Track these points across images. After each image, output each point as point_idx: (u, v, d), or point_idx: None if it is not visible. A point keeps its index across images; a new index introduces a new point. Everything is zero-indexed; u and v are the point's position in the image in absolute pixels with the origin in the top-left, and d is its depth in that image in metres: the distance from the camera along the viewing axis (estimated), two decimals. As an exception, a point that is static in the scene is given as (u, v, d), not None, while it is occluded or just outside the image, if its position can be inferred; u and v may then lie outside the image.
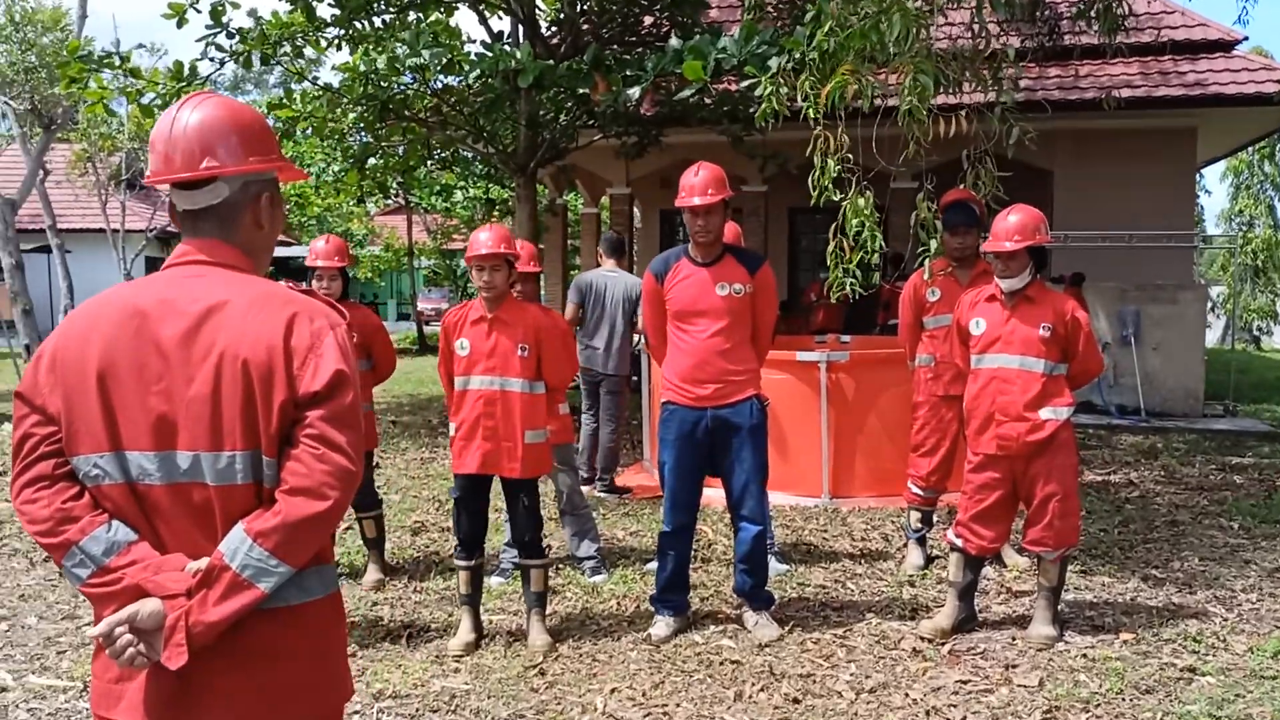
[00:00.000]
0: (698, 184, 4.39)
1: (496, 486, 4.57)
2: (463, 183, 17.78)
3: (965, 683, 4.00)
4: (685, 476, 4.50)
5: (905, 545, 5.71)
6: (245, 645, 1.73)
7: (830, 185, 5.12)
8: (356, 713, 3.82)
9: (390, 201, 22.38)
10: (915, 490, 5.49)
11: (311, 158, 18.52)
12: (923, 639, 4.43)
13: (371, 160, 11.55)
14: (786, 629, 4.55)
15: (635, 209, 16.95)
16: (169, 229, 22.88)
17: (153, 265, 23.50)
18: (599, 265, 7.54)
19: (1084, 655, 4.23)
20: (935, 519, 5.72)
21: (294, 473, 1.70)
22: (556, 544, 5.90)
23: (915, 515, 5.54)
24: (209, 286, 1.78)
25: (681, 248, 4.60)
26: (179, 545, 1.74)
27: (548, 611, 4.87)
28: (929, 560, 5.50)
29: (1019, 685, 3.97)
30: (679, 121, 10.34)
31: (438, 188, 18.16)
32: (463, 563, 4.51)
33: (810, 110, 5.00)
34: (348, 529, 6.14)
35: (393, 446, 9.24)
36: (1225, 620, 4.64)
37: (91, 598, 1.77)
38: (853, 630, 4.57)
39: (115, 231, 21.08)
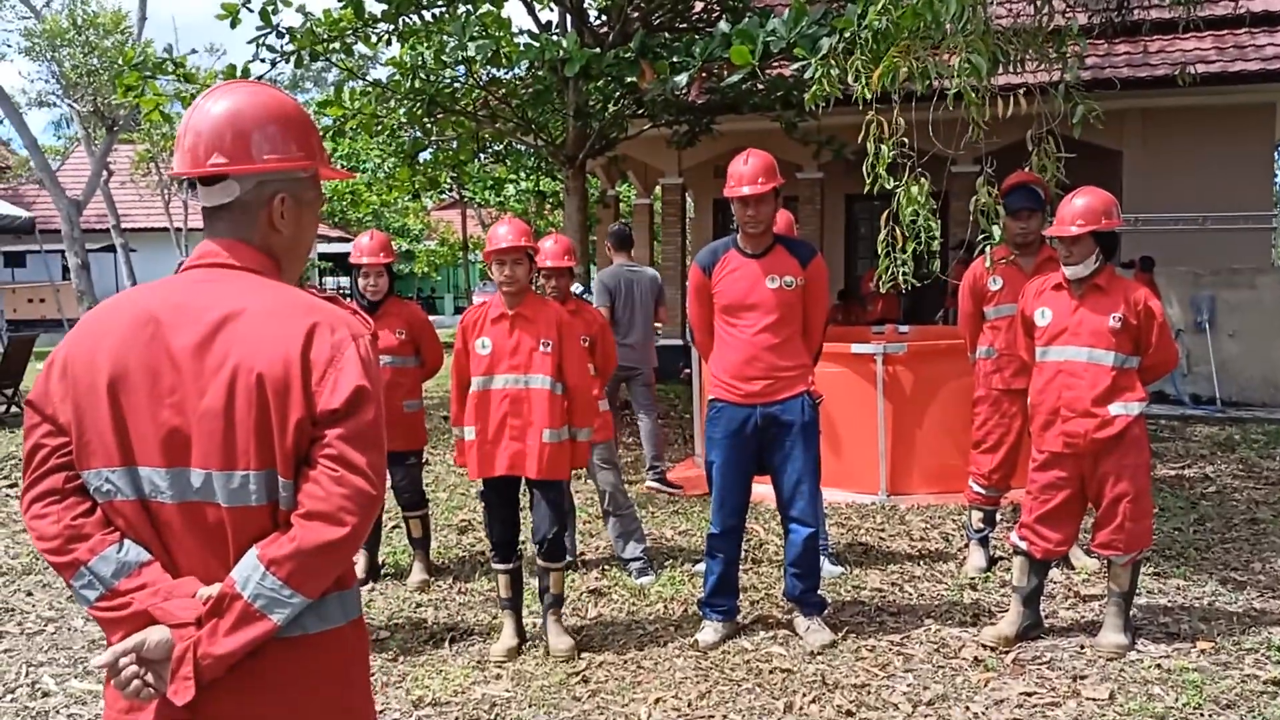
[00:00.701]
0: (747, 172, 4.21)
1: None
2: (513, 176, 17.76)
3: (1030, 695, 3.78)
4: (734, 476, 4.33)
5: (966, 546, 5.47)
6: (261, 676, 1.62)
7: (885, 172, 4.91)
8: (394, 722, 3.73)
9: (446, 196, 22.48)
10: (977, 489, 5.26)
11: (367, 154, 18.63)
12: (985, 647, 4.21)
13: (423, 155, 11.53)
14: (840, 635, 4.37)
15: (688, 199, 16.76)
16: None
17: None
18: (611, 260, 7.45)
19: (1158, 666, 3.98)
20: (999, 518, 5.47)
21: (310, 496, 1.58)
22: (602, 544, 5.78)
23: (977, 515, 5.30)
24: (226, 292, 1.66)
25: (730, 239, 4.43)
26: (192, 567, 1.64)
27: (593, 613, 4.77)
28: (992, 562, 5.26)
29: (1088, 698, 3.73)
30: (731, 109, 10.13)
31: (490, 182, 18.15)
32: (501, 566, 4.40)
33: (863, 92, 4.79)
34: (394, 528, 6.09)
35: (443, 442, 9.19)
36: (1313, 628, 4.34)
37: (100, 621, 1.68)
38: (910, 637, 4.37)
39: (179, 230, 21.48)
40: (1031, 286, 4.37)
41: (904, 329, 8.91)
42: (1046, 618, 4.48)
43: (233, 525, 1.60)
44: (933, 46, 5.03)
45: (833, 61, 5.25)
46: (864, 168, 4.92)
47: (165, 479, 1.62)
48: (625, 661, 4.21)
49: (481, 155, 17.98)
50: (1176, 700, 3.69)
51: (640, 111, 9.84)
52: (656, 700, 3.82)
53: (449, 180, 16.26)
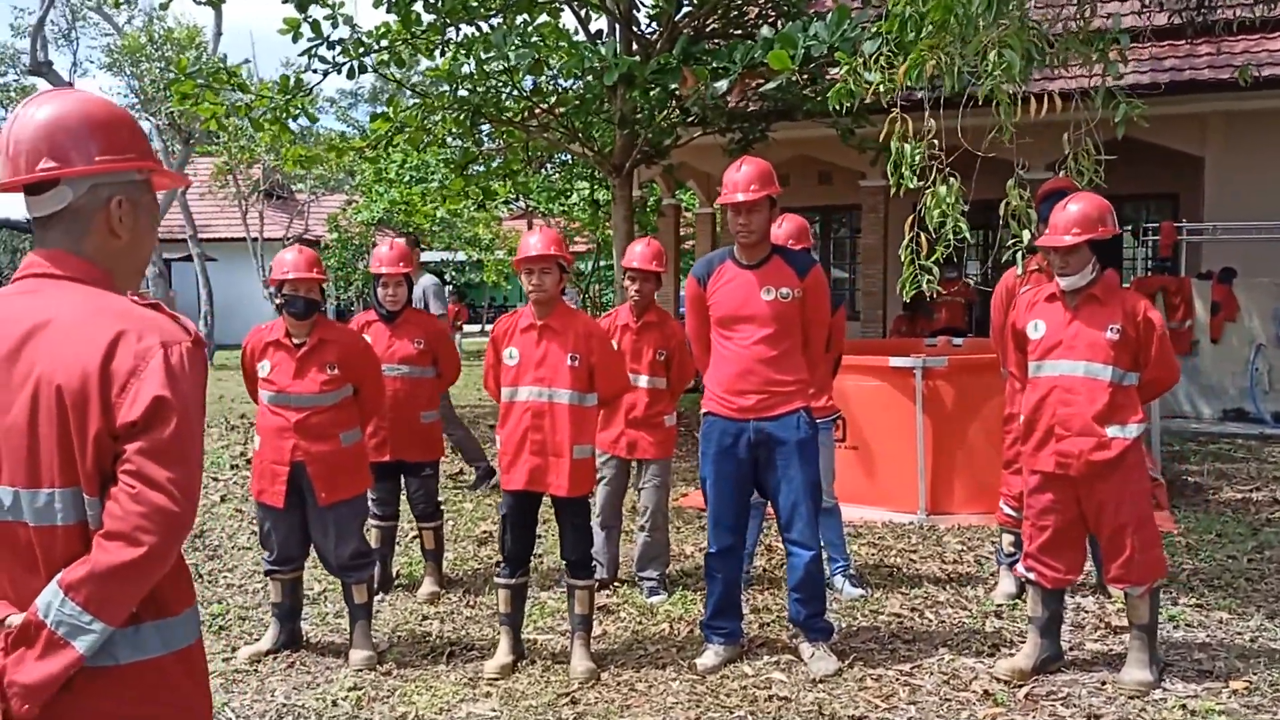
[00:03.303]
0: (740, 180, 4.05)
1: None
2: (567, 186, 17.74)
3: (1038, 734, 3.54)
4: (728, 493, 4.16)
5: (998, 570, 5.19)
6: (69, 711, 1.54)
7: (909, 173, 4.71)
8: (369, 739, 3.66)
9: (515, 206, 22.61)
10: (1008, 511, 4.98)
11: (436, 167, 18.79)
12: (998, 680, 3.96)
13: (479, 166, 11.55)
14: (847, 663, 4.16)
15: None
16: (305, 235, 23.80)
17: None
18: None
19: (1183, 706, 3.68)
20: (1032, 541, 5.17)
21: (109, 514, 1.51)
22: (621, 557, 5.63)
23: (1008, 538, 5.02)
24: (39, 303, 1.60)
25: (727, 250, 4.27)
26: (7, 591, 1.58)
27: (597, 631, 4.63)
28: (1022, 588, 4.96)
29: (1101, 740, 3.47)
30: (784, 115, 9.92)
31: (553, 191, 18.16)
32: (504, 580, 4.31)
33: (882, 85, 4.59)
34: (414, 538, 6.05)
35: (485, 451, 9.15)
36: (1366, 670, 3.98)
37: None
38: (921, 666, 4.14)
39: (255, 240, 22.04)
40: (1023, 298, 4.11)
41: (958, 341, 8.59)
42: (1071, 649, 4.20)
43: (41, 546, 1.54)
44: (964, 43, 4.80)
45: (862, 62, 5.06)
46: (887, 167, 4.74)
47: None
48: (619, 684, 4.07)
49: (547, 165, 17.90)
50: (1199, 746, 3.41)
51: (690, 119, 9.70)
52: (641, 726, 3.68)
53: (510, 191, 16.30)
